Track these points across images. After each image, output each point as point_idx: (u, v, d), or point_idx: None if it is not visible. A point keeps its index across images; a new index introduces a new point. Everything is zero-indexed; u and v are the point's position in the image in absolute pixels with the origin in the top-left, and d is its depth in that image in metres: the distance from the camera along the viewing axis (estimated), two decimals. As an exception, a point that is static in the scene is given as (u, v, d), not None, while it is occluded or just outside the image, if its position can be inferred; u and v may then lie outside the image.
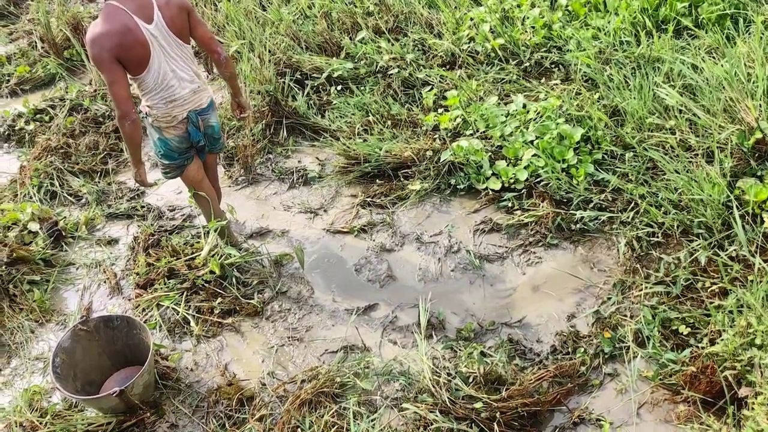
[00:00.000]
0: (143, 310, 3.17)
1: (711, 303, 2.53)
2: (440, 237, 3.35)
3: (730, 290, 2.51)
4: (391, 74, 4.30)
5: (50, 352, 2.68)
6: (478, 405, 2.36)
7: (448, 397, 2.40)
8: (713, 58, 3.54)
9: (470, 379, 2.49)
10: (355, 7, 4.93)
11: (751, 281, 2.47)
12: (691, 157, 3.12)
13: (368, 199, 3.64)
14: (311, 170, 3.94)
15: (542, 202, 3.28)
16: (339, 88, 4.39)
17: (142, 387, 2.66)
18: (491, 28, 4.35)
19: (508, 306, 2.94)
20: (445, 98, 4.03)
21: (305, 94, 4.37)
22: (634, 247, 2.96)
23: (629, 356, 2.54)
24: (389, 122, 3.96)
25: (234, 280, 3.21)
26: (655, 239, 2.95)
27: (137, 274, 3.30)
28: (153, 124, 2.91)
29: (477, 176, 3.51)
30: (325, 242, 3.48)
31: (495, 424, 2.31)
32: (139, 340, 2.81)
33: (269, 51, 4.49)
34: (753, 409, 1.97)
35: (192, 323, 3.06)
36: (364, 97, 4.18)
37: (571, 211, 3.19)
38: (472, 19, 4.50)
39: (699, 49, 3.62)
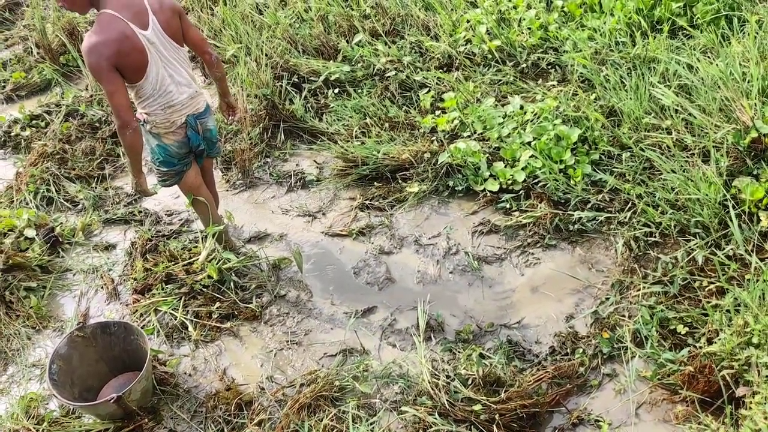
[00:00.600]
0: (141, 315, 3.16)
1: (708, 302, 2.53)
2: (439, 239, 3.35)
3: (727, 289, 2.52)
4: (389, 77, 4.31)
5: (47, 358, 2.67)
6: (477, 407, 2.36)
7: (447, 400, 2.39)
8: (708, 57, 3.55)
9: (469, 381, 2.49)
10: (352, 10, 4.94)
11: (748, 280, 2.47)
12: (688, 157, 3.13)
13: (366, 202, 3.63)
14: (309, 173, 3.94)
15: (540, 203, 3.28)
16: (336, 91, 4.40)
17: (140, 393, 2.65)
18: (488, 30, 4.36)
19: (506, 307, 2.94)
20: (442, 100, 4.04)
21: (302, 97, 4.37)
22: (632, 247, 2.96)
23: (627, 356, 2.54)
24: (387, 125, 3.96)
25: (232, 284, 3.20)
26: (653, 239, 2.96)
27: (134, 279, 3.30)
28: (151, 131, 2.89)
29: (475, 178, 3.51)
30: (323, 245, 3.48)
31: (494, 426, 2.31)
32: (137, 346, 2.80)
33: (266, 55, 4.49)
34: (750, 408, 1.97)
35: (190, 328, 3.05)
36: (361, 99, 4.18)
37: (569, 212, 3.19)
38: (468, 21, 4.50)
39: (694, 49, 3.63)
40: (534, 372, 2.57)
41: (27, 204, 3.97)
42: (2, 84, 5.40)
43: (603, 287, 2.91)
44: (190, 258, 3.33)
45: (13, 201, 4.02)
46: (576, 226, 3.15)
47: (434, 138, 3.81)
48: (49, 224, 3.73)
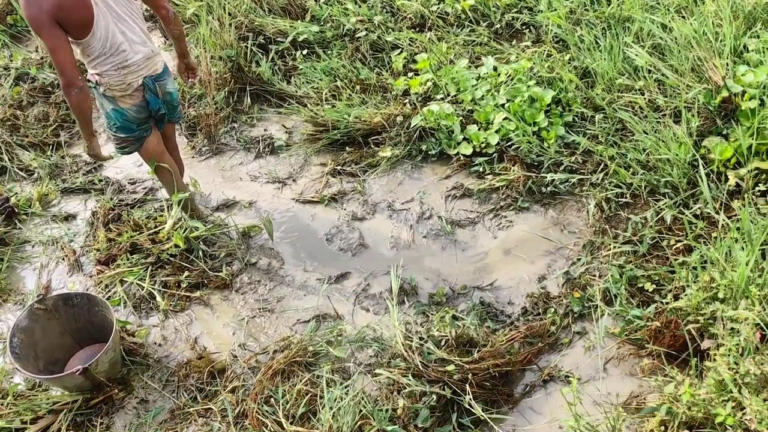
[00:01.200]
0: (106, 286, 3.07)
1: (676, 260, 2.57)
2: (412, 204, 3.31)
3: (695, 247, 2.56)
4: (359, 37, 4.17)
5: (8, 332, 2.57)
6: (451, 368, 2.37)
7: (420, 361, 2.40)
8: (682, 17, 3.52)
9: (442, 343, 2.50)
10: (319, -33, 4.74)
11: (715, 238, 2.51)
12: (659, 118, 3.13)
13: (338, 168, 3.56)
14: (278, 139, 3.83)
15: (513, 165, 3.26)
16: (305, 52, 4.25)
17: (108, 364, 2.58)
18: (460, -11, 4.24)
19: (479, 270, 2.94)
20: (414, 62, 3.94)
21: (269, 59, 4.21)
22: (603, 209, 2.98)
23: (597, 314, 2.57)
24: (358, 87, 3.86)
25: (201, 253, 3.12)
26: (624, 200, 2.98)
27: (97, 250, 3.18)
28: (105, 93, 2.71)
29: (448, 141, 3.46)
30: (294, 212, 3.41)
31: (467, 385, 2.33)
32: (102, 317, 2.72)
33: (229, 14, 4.29)
34: (715, 360, 2.02)
35: (158, 298, 2.98)
36: (331, 61, 4.05)
37: (542, 174, 3.18)
38: (440, -20, 4.37)
39: (668, 8, 3.60)
40: (506, 332, 2.59)
41: (-22, 173, 3.78)
42: (-54, 47, 5.06)
43: (575, 248, 2.93)
44: (156, 227, 3.22)
45: (-37, 170, 3.82)
46: (549, 189, 3.15)
47: (407, 101, 3.73)
48: (4, 194, 3.55)
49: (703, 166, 2.77)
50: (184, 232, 3.08)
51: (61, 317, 2.75)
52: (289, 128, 3.89)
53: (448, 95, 3.68)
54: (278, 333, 2.82)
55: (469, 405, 2.27)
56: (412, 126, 3.52)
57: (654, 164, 2.96)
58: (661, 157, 2.89)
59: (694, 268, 2.48)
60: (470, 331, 2.55)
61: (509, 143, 3.32)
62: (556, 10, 3.85)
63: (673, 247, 2.67)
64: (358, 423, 2.28)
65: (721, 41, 3.17)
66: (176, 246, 3.07)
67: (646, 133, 3.02)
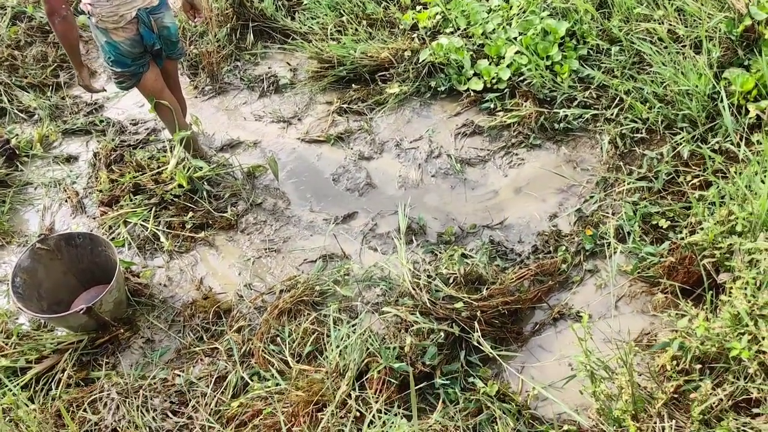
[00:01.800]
0: (109, 227, 3.04)
1: (692, 195, 2.48)
2: (420, 142, 3.22)
3: (713, 182, 2.46)
4: (364, -30, 3.96)
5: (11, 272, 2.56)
6: (459, 305, 2.34)
7: (428, 299, 2.36)
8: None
9: (450, 280, 2.46)
10: None
11: (734, 172, 2.41)
12: (679, 49, 2.97)
13: (344, 106, 3.44)
14: (282, 77, 3.69)
15: (525, 101, 3.13)
16: (308, -13, 4.05)
17: (113, 304, 2.57)
18: None
19: (489, 209, 2.87)
20: (422, -5, 3.75)
21: (271, -6, 4.02)
22: (618, 145, 2.87)
23: (610, 252, 2.51)
24: (364, 22, 3.69)
25: (205, 193, 3.07)
26: (639, 135, 2.86)
27: (100, 191, 3.13)
28: (98, 25, 2.61)
29: (458, 77, 3.32)
30: (300, 152, 3.32)
31: (476, 322, 2.30)
32: (106, 258, 2.69)
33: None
34: (731, 293, 1.96)
35: (162, 239, 2.95)
36: (335, -5, 3.86)
37: (555, 110, 3.06)
38: None
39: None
40: (516, 270, 2.54)
41: (-22, 115, 3.70)
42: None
43: (588, 186, 2.84)
44: (159, 168, 3.16)
45: (-39, 113, 3.74)
46: (562, 125, 3.04)
47: (415, 35, 3.57)
48: (4, 136, 3.49)
49: (723, 99, 2.64)
50: (187, 172, 3.02)
51: (64, 257, 2.72)
52: (293, 66, 3.76)
53: (458, 29, 3.51)
54: (284, 273, 2.80)
55: (478, 342, 2.25)
56: (420, 61, 3.37)
57: (672, 98, 2.82)
58: (680, 89, 2.75)
59: (712, 203, 2.40)
60: (479, 268, 2.50)
61: (521, 78, 3.18)
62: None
63: (690, 183, 2.58)
64: (365, 360, 2.26)
65: (750, -35, 2.96)
66: (180, 186, 3.01)
67: (665, 65, 2.87)
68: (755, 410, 1.77)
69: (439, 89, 3.36)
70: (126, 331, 2.65)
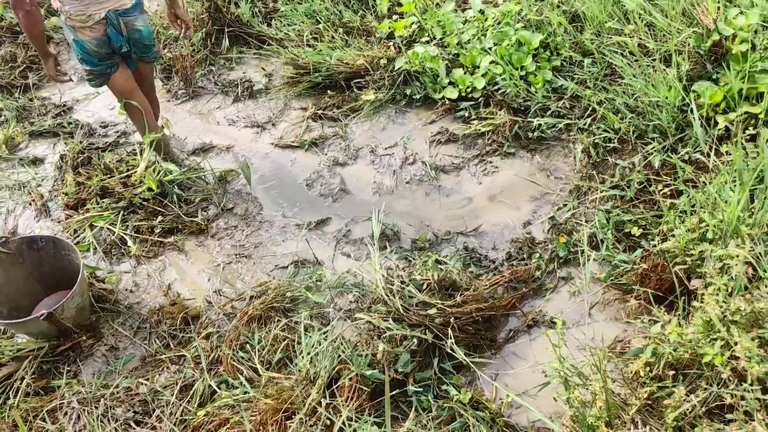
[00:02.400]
0: (75, 231, 2.94)
1: (664, 203, 2.51)
2: (395, 149, 3.20)
3: (684, 191, 2.50)
4: (341, -21, 3.97)
5: (-30, 276, 2.45)
6: (432, 311, 2.31)
7: (401, 305, 2.33)
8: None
9: (424, 286, 2.43)
10: None
11: (703, 182, 2.45)
12: (650, 62, 3.03)
13: (319, 112, 3.42)
14: (257, 82, 3.66)
15: (500, 110, 3.15)
16: (285, -6, 4.05)
17: (75, 310, 2.47)
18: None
19: (463, 216, 2.86)
20: (399, 4, 3.76)
21: (249, 0, 4.00)
22: (591, 154, 2.90)
23: (583, 259, 2.52)
24: (341, 30, 3.69)
25: (175, 197, 2.99)
26: (612, 145, 2.90)
27: (65, 194, 3.03)
28: (66, 22, 2.59)
29: (433, 85, 3.33)
30: (273, 157, 3.28)
31: (449, 329, 2.26)
32: (69, 262, 2.59)
33: (205, -49, 4.04)
34: (703, 299, 1.97)
35: (130, 243, 2.86)
36: (313, 3, 3.86)
37: (529, 119, 3.08)
38: None
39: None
40: (490, 277, 2.53)
41: (-61, 116, 3.57)
42: None
43: (561, 194, 2.86)
44: (128, 171, 3.07)
45: None
46: (535, 134, 3.06)
47: (391, 44, 3.58)
48: (-34, 137, 3.37)
49: (693, 111, 2.70)
50: (157, 176, 2.95)
51: (26, 261, 2.62)
52: (268, 71, 3.72)
53: (434, 38, 3.54)
54: (255, 279, 2.73)
55: (451, 349, 2.21)
56: (396, 69, 3.38)
57: (643, 109, 2.87)
58: (651, 101, 2.80)
59: (683, 211, 2.43)
60: (453, 275, 2.48)
61: (496, 87, 3.21)
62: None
63: (661, 192, 2.61)
64: (336, 368, 2.21)
65: (716, -18, 3.05)
66: (149, 189, 2.93)
67: (636, 77, 2.93)
68: (728, 416, 1.77)
69: (414, 97, 3.36)
70: (89, 338, 2.54)
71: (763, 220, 2.12)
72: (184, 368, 2.39)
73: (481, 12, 3.56)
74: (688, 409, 1.80)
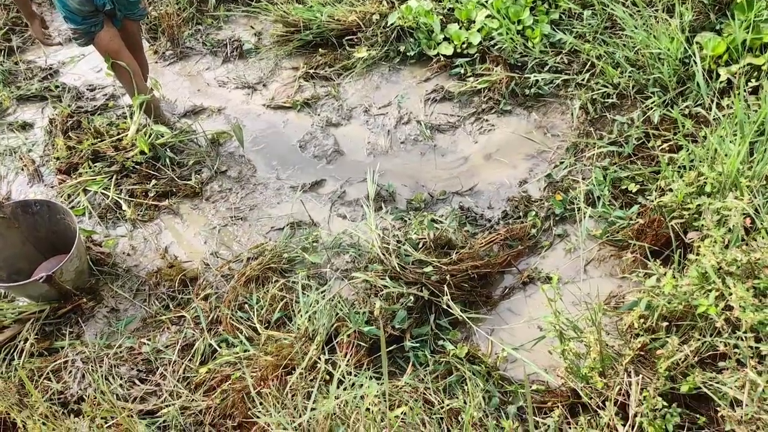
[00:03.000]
0: (69, 196, 2.91)
1: (663, 158, 2.49)
2: (389, 108, 3.15)
3: (683, 145, 2.47)
4: (332, -69, 3.82)
5: (-36, 241, 2.44)
6: (428, 269, 2.31)
7: (397, 263, 2.33)
8: None
9: (420, 245, 2.43)
10: None
11: (703, 136, 2.42)
12: (652, 12, 2.95)
13: (311, 71, 3.35)
14: (246, 41, 3.57)
15: (496, 66, 3.09)
16: (273, -52, 3.89)
17: (74, 273, 2.48)
18: None
19: (459, 175, 2.84)
20: (392, -43, 3.63)
21: (235, -45, 3.86)
22: (588, 110, 2.86)
23: (579, 216, 2.51)
24: (331, -15, 3.57)
25: (168, 160, 2.96)
26: (610, 100, 2.85)
27: (57, 158, 3.00)
28: None
29: (428, 42, 3.25)
30: (265, 119, 3.23)
31: (445, 286, 2.28)
32: (65, 226, 2.58)
33: None
34: (698, 252, 1.97)
35: (125, 207, 2.84)
36: (302, -43, 3.72)
37: (526, 75, 3.02)
38: None
39: None
40: (486, 235, 2.53)
41: (-77, 81, 3.49)
42: None
43: (558, 151, 2.83)
44: (119, 134, 3.03)
45: None
46: (532, 90, 3.00)
47: (384, -1, 3.48)
48: (-48, 102, 3.30)
49: (697, 62, 2.64)
50: (149, 139, 2.90)
51: (21, 226, 2.61)
52: (258, 30, 3.63)
53: (429, -7, 3.43)
54: (251, 241, 2.73)
55: (447, 306, 2.23)
56: (389, 25, 3.29)
57: (644, 62, 2.81)
58: (652, 53, 2.74)
59: (682, 166, 2.40)
60: (449, 233, 2.47)
61: (492, 43, 3.13)
62: None
63: (660, 147, 2.59)
64: (335, 325, 2.23)
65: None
66: (141, 153, 2.90)
67: (637, 29, 2.85)
68: (721, 364, 1.79)
69: (408, 54, 3.29)
70: (89, 301, 2.56)
71: (762, 171, 2.10)
72: (185, 328, 2.41)
73: (477, -36, 3.44)
74: (680, 359, 1.82)
